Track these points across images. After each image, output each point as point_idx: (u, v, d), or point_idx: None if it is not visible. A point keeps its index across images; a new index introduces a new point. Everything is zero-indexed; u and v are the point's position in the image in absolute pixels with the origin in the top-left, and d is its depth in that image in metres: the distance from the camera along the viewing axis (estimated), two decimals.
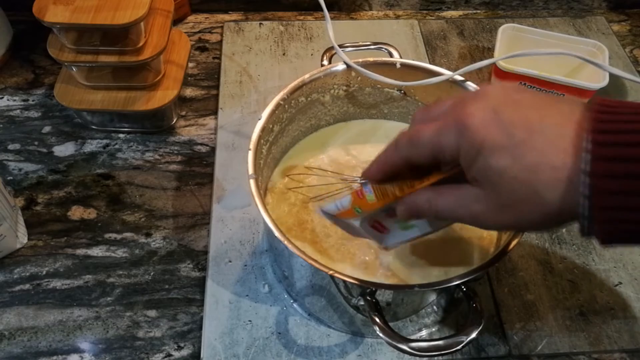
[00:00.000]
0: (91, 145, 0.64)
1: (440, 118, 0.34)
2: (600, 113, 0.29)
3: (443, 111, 0.35)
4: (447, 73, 0.51)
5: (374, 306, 0.41)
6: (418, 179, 0.37)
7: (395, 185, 0.38)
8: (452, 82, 0.51)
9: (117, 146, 0.64)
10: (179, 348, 0.50)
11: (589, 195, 0.28)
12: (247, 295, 0.53)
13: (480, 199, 0.33)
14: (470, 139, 0.31)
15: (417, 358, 0.41)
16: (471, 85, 0.51)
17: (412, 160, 0.35)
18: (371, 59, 0.54)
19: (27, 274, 0.54)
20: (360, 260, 0.49)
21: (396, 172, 0.37)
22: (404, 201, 0.37)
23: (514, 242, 0.43)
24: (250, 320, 0.52)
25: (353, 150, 0.57)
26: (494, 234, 0.50)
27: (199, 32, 0.77)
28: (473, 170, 0.32)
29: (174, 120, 0.66)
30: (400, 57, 0.55)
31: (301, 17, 0.80)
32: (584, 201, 0.29)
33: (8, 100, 0.68)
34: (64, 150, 0.64)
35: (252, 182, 0.44)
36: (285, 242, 0.41)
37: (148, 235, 0.57)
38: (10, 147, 0.64)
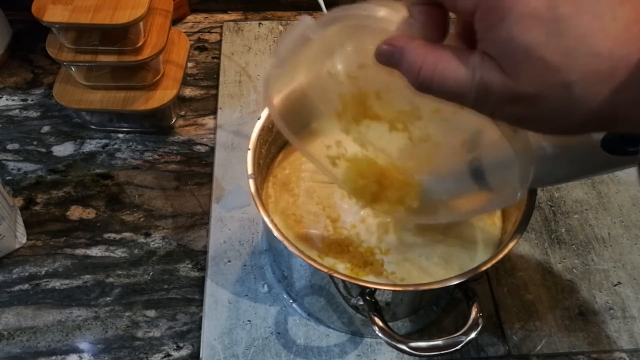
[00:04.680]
0: (90, 145, 0.64)
1: None
2: None
3: None
4: None
5: (373, 306, 0.41)
6: None
7: None
8: None
9: (116, 146, 0.64)
10: (178, 348, 0.50)
11: None
12: (246, 295, 0.53)
13: (494, 73, 0.25)
14: None
15: (417, 358, 0.41)
16: None
17: None
18: None
19: (26, 274, 0.54)
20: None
21: None
22: (388, 41, 0.27)
23: (513, 242, 0.43)
24: (249, 320, 0.52)
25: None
26: (495, 233, 0.50)
27: (198, 31, 0.77)
28: (488, 41, 0.24)
29: (173, 120, 0.66)
30: None
31: (300, 17, 0.80)
32: None
33: (7, 100, 0.68)
34: (63, 150, 0.64)
35: (251, 182, 0.44)
36: (285, 242, 0.41)
37: (147, 235, 0.57)
38: (9, 146, 0.63)
